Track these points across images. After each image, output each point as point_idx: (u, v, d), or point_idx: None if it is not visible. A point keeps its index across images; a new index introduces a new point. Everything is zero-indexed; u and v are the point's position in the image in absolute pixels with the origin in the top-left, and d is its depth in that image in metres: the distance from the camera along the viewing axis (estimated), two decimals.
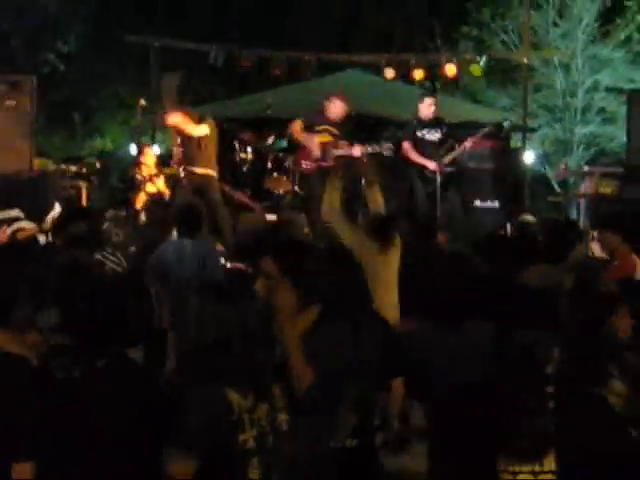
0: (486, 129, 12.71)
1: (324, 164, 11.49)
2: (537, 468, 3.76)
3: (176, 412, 3.68)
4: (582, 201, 14.07)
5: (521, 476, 3.75)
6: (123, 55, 23.58)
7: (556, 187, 23.64)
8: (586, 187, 14.14)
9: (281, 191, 13.17)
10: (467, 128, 13.53)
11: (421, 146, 12.14)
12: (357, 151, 11.43)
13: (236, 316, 3.90)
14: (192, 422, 3.66)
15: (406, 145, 12.27)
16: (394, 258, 7.07)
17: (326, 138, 11.75)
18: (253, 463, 3.78)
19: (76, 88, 25.26)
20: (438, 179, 11.91)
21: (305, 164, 11.67)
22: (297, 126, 11.76)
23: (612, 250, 7.72)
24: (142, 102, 14.67)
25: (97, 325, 3.81)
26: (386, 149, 11.70)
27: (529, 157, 16.44)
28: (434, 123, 12.27)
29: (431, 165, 12.00)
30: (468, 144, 12.12)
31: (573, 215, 18.54)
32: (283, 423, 3.92)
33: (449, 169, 12.10)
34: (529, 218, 11.70)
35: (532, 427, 3.77)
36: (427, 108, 12.28)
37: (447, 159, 12.03)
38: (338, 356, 4.46)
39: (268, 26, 25.30)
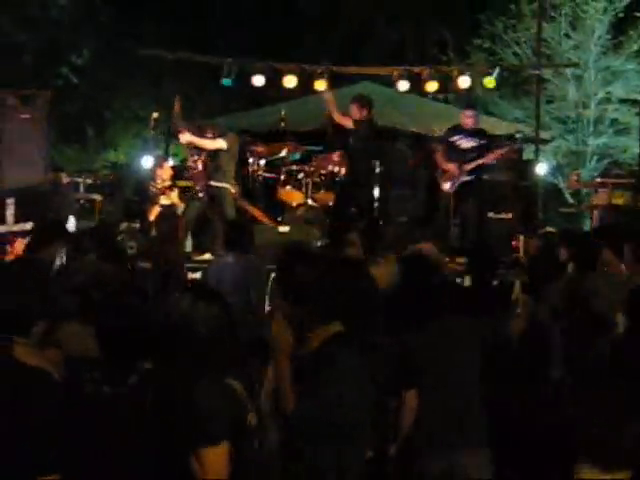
0: (513, 145, 12.81)
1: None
2: (614, 477, 3.72)
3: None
4: (595, 212, 14.05)
5: None
6: (136, 68, 23.66)
7: (569, 198, 23.62)
8: (599, 198, 14.12)
9: (294, 204, 13.18)
10: None
11: (451, 151, 12.21)
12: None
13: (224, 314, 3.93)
14: (208, 411, 3.69)
15: (436, 148, 12.39)
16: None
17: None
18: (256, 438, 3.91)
19: (89, 101, 25.34)
20: (455, 184, 11.94)
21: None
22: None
23: (604, 262, 7.66)
24: (155, 115, 14.68)
25: (130, 338, 3.84)
26: None
27: (542, 169, 16.42)
28: (472, 132, 12.32)
29: (450, 167, 12.05)
30: (494, 157, 12.19)
31: (586, 226, 18.52)
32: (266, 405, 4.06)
33: (467, 178, 12.08)
34: (551, 230, 11.74)
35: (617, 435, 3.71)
36: (467, 119, 12.36)
37: (469, 166, 12.05)
38: (353, 381, 4.40)
39: (279, 39, 25.36)
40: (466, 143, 12.24)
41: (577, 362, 4.00)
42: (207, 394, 3.70)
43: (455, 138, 12.29)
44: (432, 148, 12.53)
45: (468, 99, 19.88)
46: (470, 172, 12.10)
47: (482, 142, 12.32)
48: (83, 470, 3.68)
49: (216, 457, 3.67)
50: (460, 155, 12.16)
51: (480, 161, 12.12)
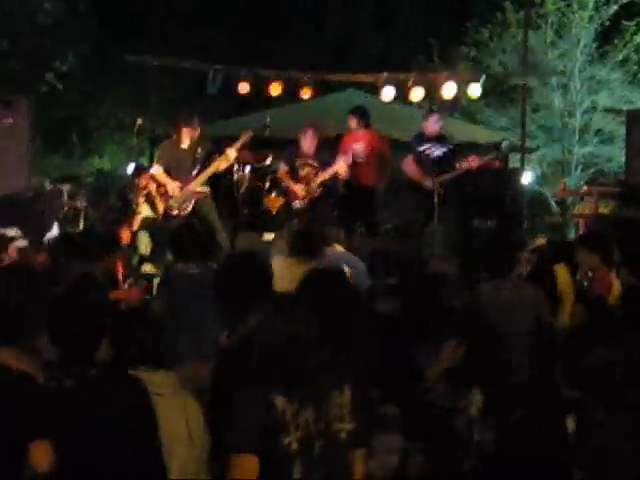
0: (492, 156, 12.61)
1: (314, 195, 11.93)
2: None
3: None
4: (581, 221, 14.00)
5: None
6: (121, 75, 23.60)
7: (554, 207, 23.62)
8: (585, 207, 14.07)
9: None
10: (466, 149, 13.47)
11: (422, 161, 12.04)
12: (340, 167, 11.75)
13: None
14: (236, 423, 3.74)
15: (409, 159, 12.17)
16: None
17: (307, 171, 11.99)
18: (297, 465, 3.80)
19: (74, 107, 25.26)
20: (435, 198, 11.81)
21: (296, 204, 11.92)
22: (282, 173, 12.24)
23: (590, 269, 7.63)
24: (139, 121, 14.59)
25: (83, 334, 3.85)
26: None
27: (527, 177, 16.40)
28: (438, 140, 12.19)
29: (427, 182, 11.90)
30: (471, 165, 11.96)
31: (571, 235, 18.50)
32: (342, 433, 3.90)
33: (444, 189, 11.94)
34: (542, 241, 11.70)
35: None
36: (433, 124, 12.18)
37: (445, 177, 11.91)
38: None
39: (263, 47, 25.33)
40: (436, 151, 12.09)
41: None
42: (234, 405, 3.77)
43: (424, 147, 12.08)
44: (405, 161, 12.28)
45: (453, 107, 19.89)
46: (448, 182, 11.94)
47: (450, 148, 12.16)
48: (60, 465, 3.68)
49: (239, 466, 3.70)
50: (431, 166, 11.95)
51: (454, 173, 11.95)
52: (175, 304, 7.65)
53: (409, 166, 12.11)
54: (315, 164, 12.09)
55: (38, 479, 3.67)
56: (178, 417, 4.02)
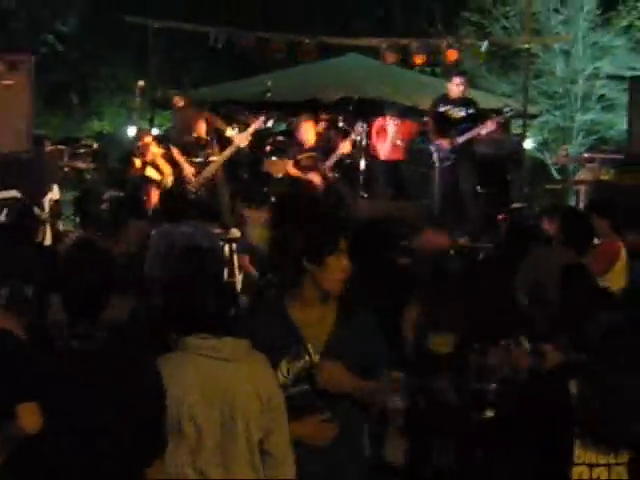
0: (501, 117, 12.57)
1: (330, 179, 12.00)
2: (612, 460, 3.70)
3: None
4: (582, 188, 13.97)
5: (598, 469, 3.69)
6: (122, 37, 23.47)
7: (555, 174, 23.60)
8: (586, 174, 14.04)
9: (280, 175, 13.08)
10: None
11: (441, 122, 12.02)
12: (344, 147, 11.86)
13: None
14: None
15: (428, 120, 12.27)
16: None
17: (310, 161, 12.02)
18: None
19: (74, 69, 25.18)
20: (437, 163, 11.85)
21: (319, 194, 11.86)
22: (290, 169, 12.15)
23: (599, 234, 7.64)
24: (140, 83, 14.56)
25: (90, 295, 3.80)
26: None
27: (529, 144, 16.36)
28: (461, 102, 12.10)
29: (443, 142, 11.90)
30: (485, 130, 11.94)
31: (572, 202, 18.49)
32: None
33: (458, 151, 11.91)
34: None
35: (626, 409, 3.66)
36: (455, 87, 12.11)
37: (461, 140, 11.85)
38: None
39: (266, 10, 25.20)
40: (456, 113, 12.02)
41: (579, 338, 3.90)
42: None
43: (444, 108, 12.06)
44: (426, 122, 12.36)
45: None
46: (462, 145, 11.90)
47: (471, 112, 12.07)
48: (58, 423, 3.65)
49: None
50: (450, 126, 11.94)
51: (473, 133, 11.90)
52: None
53: (427, 126, 12.14)
54: (313, 154, 12.10)
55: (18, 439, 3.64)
56: (244, 384, 3.85)
